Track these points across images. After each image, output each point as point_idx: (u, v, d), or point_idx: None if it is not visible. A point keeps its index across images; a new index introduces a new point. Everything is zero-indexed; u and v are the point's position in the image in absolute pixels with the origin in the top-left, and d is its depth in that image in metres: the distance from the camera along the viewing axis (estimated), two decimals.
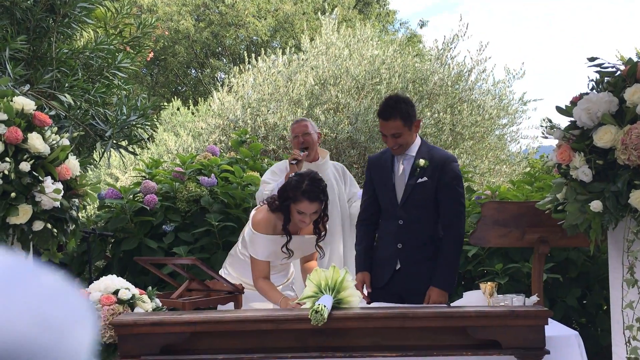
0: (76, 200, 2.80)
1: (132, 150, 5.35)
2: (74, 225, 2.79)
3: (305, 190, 2.98)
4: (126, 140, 5.26)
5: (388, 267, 3.21)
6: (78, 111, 5.03)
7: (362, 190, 3.87)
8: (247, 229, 3.26)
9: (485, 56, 10.37)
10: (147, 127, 5.42)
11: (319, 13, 12.66)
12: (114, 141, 5.09)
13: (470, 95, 10.08)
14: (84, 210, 2.84)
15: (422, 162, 3.23)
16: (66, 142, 2.80)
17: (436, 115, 9.49)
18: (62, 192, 2.65)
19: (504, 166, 10.17)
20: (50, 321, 0.42)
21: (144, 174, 5.58)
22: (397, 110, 3.15)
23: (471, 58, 10.30)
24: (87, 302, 0.47)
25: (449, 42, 10.20)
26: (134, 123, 5.20)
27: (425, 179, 3.22)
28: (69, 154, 2.79)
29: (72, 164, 2.77)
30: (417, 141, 3.31)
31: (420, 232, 3.22)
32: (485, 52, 10.33)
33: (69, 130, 4.76)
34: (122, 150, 5.27)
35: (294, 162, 3.94)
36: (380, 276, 3.22)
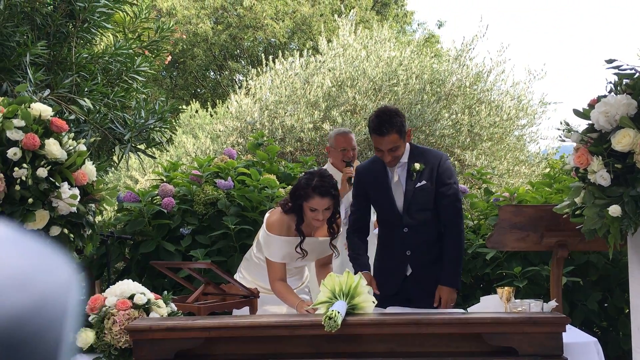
0: (93, 205, 2.83)
1: (151, 154, 5.40)
2: (90, 230, 2.82)
3: (316, 186, 3.03)
4: (144, 144, 5.32)
5: (398, 274, 3.18)
6: (97, 115, 5.08)
7: None
8: (262, 231, 3.27)
9: (505, 57, 10.28)
10: (165, 130, 5.47)
11: (336, 15, 12.66)
12: (133, 145, 5.14)
13: (488, 96, 9.99)
14: (100, 214, 2.86)
15: (417, 166, 3.20)
16: (83, 147, 2.83)
17: (454, 116, 9.43)
18: (79, 197, 2.67)
19: (523, 167, 10.06)
20: (30, 285, 0.40)
21: (162, 177, 5.62)
22: (393, 125, 3.09)
23: (491, 59, 10.22)
24: (70, 268, 0.45)
25: (468, 42, 10.13)
26: (152, 127, 5.25)
27: (424, 182, 3.21)
28: (86, 160, 2.82)
29: (89, 170, 2.79)
30: (407, 146, 3.27)
31: (427, 235, 3.21)
32: (505, 53, 10.25)
33: (88, 134, 4.82)
34: (140, 154, 5.32)
35: (349, 181, 3.82)
36: (392, 283, 3.19)
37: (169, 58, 7.20)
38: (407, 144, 3.28)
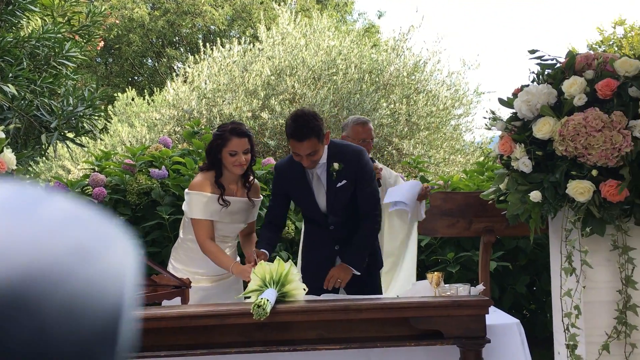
0: None
1: (80, 142, 5.22)
2: None
3: (232, 128, 3.16)
4: (73, 132, 5.13)
5: (328, 266, 3.18)
6: (22, 102, 4.87)
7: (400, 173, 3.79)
8: (184, 206, 3.29)
9: (440, 47, 10.48)
10: (95, 118, 5.29)
11: (276, 3, 12.56)
12: (61, 133, 4.95)
13: (425, 86, 10.17)
14: None
15: (336, 166, 3.19)
16: (1, 134, 2.70)
17: (392, 105, 9.55)
18: None
19: (459, 156, 10.32)
20: (71, 245, 0.38)
21: (93, 167, 5.45)
22: (311, 129, 3.02)
23: (427, 49, 10.39)
24: (116, 230, 0.43)
25: (405, 33, 10.26)
26: (82, 114, 5.07)
27: (344, 182, 3.20)
28: (4, 147, 2.69)
29: (8, 158, 2.67)
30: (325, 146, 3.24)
31: (354, 230, 3.23)
32: (440, 44, 10.43)
33: (10, 122, 4.61)
34: (69, 143, 5.14)
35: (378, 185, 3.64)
36: (322, 276, 3.17)
37: (102, 44, 6.96)
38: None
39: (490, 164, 5.74)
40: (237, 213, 3.28)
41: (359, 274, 3.11)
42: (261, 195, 3.48)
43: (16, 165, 2.78)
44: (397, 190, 3.74)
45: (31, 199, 0.39)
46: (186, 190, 3.31)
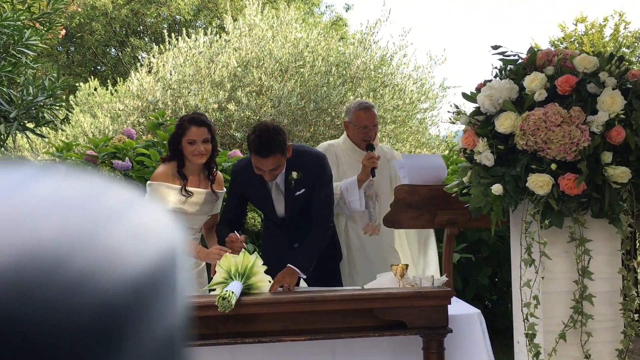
0: None
1: (40, 133, 5.10)
2: None
3: (191, 118, 3.22)
4: (33, 122, 5.01)
5: (284, 264, 3.16)
6: None
7: (401, 159, 3.71)
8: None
9: (407, 41, 10.56)
10: (56, 108, 5.18)
11: None
12: (20, 123, 4.83)
13: (392, 79, 10.24)
14: None
15: (294, 174, 3.17)
16: None
17: (359, 98, 9.59)
18: None
19: (424, 149, 10.44)
20: (87, 216, 0.36)
21: (54, 158, 5.34)
22: (275, 146, 2.97)
23: (394, 43, 10.46)
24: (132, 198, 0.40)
25: (372, 26, 10.30)
26: (42, 104, 4.96)
27: (303, 190, 3.19)
28: None
29: None
30: None
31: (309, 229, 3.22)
32: (407, 38, 10.51)
33: None
34: (28, 133, 5.02)
35: (372, 172, 3.58)
36: (280, 269, 3.16)
37: (63, 32, 6.81)
38: None
39: (455, 158, 5.83)
40: (200, 204, 3.27)
41: (305, 277, 3.08)
42: (224, 188, 3.47)
43: None
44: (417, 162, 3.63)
45: (36, 173, 0.38)
46: (148, 181, 3.30)
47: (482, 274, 5.55)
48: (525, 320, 2.55)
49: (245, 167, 3.22)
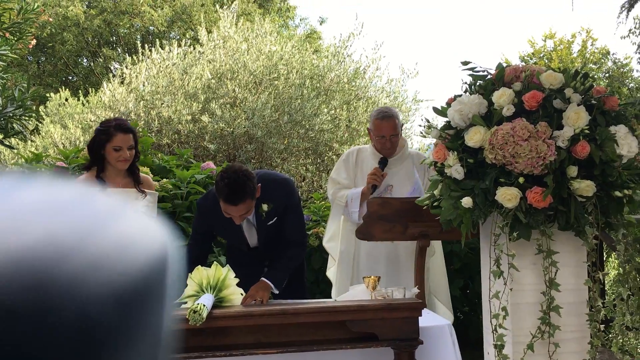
0: None
1: (9, 144, 5.02)
2: None
3: (117, 125, 3.26)
4: (2, 134, 4.93)
5: (255, 280, 3.15)
6: None
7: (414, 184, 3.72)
8: None
9: (380, 55, 10.68)
10: (26, 119, 5.10)
11: (218, 5, 12.46)
12: None
13: (365, 92, 10.33)
14: None
15: (265, 207, 3.16)
16: None
17: (333, 111, 9.65)
18: None
19: None
20: (69, 223, 0.35)
21: (23, 170, 5.25)
22: (247, 193, 2.94)
23: (367, 56, 10.56)
24: (118, 206, 0.40)
25: (345, 40, 10.40)
26: (11, 114, 4.88)
27: (275, 219, 3.19)
28: None
29: None
30: None
31: (282, 249, 3.25)
32: (380, 51, 10.63)
33: None
34: None
35: (372, 189, 3.62)
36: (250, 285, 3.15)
37: (34, 42, 6.73)
38: None
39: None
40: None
41: (277, 292, 3.08)
42: (156, 191, 3.55)
43: None
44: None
45: (23, 182, 0.38)
46: None
47: (453, 285, 5.60)
48: (495, 332, 2.58)
49: (212, 206, 3.12)
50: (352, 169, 3.91)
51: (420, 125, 2.91)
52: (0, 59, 5.24)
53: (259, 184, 3.08)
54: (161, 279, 0.39)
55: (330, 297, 3.88)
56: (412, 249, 3.98)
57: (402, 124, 3.91)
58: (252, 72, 9.40)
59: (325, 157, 9.58)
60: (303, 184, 9.34)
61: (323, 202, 5.88)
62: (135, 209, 0.41)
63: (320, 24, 21.78)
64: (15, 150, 5.53)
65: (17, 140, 10.11)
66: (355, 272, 3.92)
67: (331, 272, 4.07)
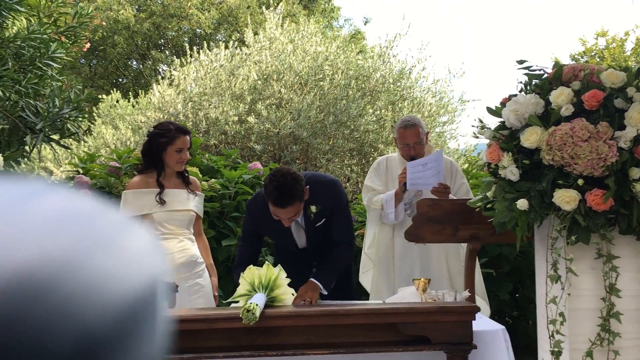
0: None
1: (65, 144, 5.17)
2: None
3: (178, 127, 3.33)
4: (58, 134, 5.08)
5: (303, 280, 3.11)
6: (7, 103, 4.81)
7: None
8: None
9: (426, 55, 10.58)
10: (81, 120, 5.25)
11: (264, 7, 12.57)
12: (45, 134, 4.90)
13: (411, 93, 10.24)
14: None
15: (313, 208, 3.17)
16: None
17: (378, 112, 9.60)
18: None
19: None
20: (59, 246, 0.36)
21: (77, 169, 5.41)
22: (295, 196, 2.93)
23: (412, 56, 10.48)
24: (116, 224, 0.40)
25: (391, 40, 10.33)
26: (67, 116, 5.03)
27: (323, 220, 3.20)
28: None
29: None
30: None
31: (330, 250, 3.26)
32: (426, 51, 10.51)
33: None
34: (54, 144, 5.09)
35: (404, 187, 3.70)
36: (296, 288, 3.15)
37: (88, 45, 6.93)
38: None
39: (475, 172, 5.80)
40: (175, 202, 3.37)
41: (326, 293, 3.08)
42: (202, 192, 3.62)
43: (2, 167, 2.76)
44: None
45: (33, 193, 0.38)
46: (123, 192, 3.42)
47: (502, 289, 5.49)
48: (551, 338, 2.51)
49: (261, 207, 3.13)
50: (383, 175, 4.01)
51: (472, 126, 2.86)
52: (55, 62, 5.41)
53: (307, 186, 3.08)
54: (153, 299, 0.39)
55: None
56: (443, 251, 3.96)
57: (427, 132, 4.02)
58: (298, 73, 9.44)
59: (370, 158, 9.54)
60: (348, 184, 9.32)
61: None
62: (136, 226, 0.42)
63: (365, 24, 21.74)
64: (70, 151, 5.69)
65: (70, 140, 10.44)
66: (391, 276, 3.96)
67: (366, 278, 4.10)
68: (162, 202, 3.30)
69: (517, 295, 5.75)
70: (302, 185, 3.00)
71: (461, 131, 11.43)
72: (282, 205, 2.94)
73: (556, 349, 2.47)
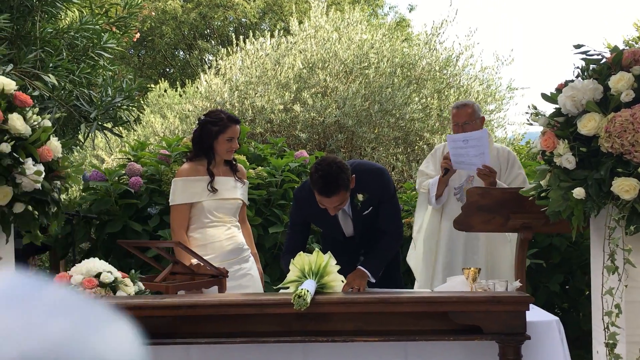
0: (58, 182, 2.77)
1: (118, 133, 5.31)
2: (55, 208, 2.76)
3: (229, 116, 3.33)
4: (111, 122, 5.21)
5: (350, 269, 3.10)
6: (62, 92, 4.96)
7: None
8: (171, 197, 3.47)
9: (473, 42, 10.37)
10: (132, 109, 5.37)
11: None
12: (99, 123, 5.03)
13: (457, 80, 10.07)
14: (66, 193, 2.80)
15: (360, 197, 3.16)
16: (48, 123, 2.77)
17: (424, 100, 9.48)
18: (44, 173, 2.61)
19: None
20: (51, 336, 0.39)
21: (129, 157, 5.54)
22: (340, 184, 2.93)
23: (459, 44, 10.28)
24: (104, 313, 0.45)
25: (438, 27, 10.17)
26: (119, 105, 5.15)
27: (370, 209, 3.19)
28: (51, 136, 2.75)
29: (54, 146, 2.73)
30: None
31: (377, 238, 3.26)
32: (473, 38, 10.31)
33: (52, 111, 4.70)
34: (107, 132, 5.22)
35: (444, 172, 3.72)
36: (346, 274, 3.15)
37: (137, 35, 7.06)
38: None
39: (523, 161, 5.67)
40: (224, 191, 3.39)
41: (374, 281, 3.11)
42: (247, 180, 3.63)
43: (61, 154, 2.85)
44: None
45: (26, 288, 0.41)
46: (173, 179, 3.43)
47: (552, 280, 5.38)
48: (606, 330, 2.45)
49: (308, 195, 3.15)
50: (438, 161, 3.99)
51: (526, 112, 2.79)
52: (107, 52, 5.54)
53: (353, 175, 3.08)
54: None
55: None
56: (491, 239, 3.90)
57: (482, 117, 3.93)
58: (343, 61, 9.40)
59: (416, 147, 9.45)
60: (393, 173, 9.26)
61: (414, 192, 5.80)
62: (109, 316, 0.45)
63: (410, 11, 21.46)
64: (123, 139, 5.83)
65: (120, 129, 10.69)
66: (431, 261, 3.98)
67: (411, 258, 4.12)
68: (214, 190, 3.33)
69: (567, 287, 5.61)
70: (348, 174, 3.00)
71: (509, 120, 11.21)
72: (328, 194, 2.96)
73: (611, 341, 2.41)
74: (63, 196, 3.84)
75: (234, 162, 3.51)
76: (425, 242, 4.02)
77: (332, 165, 2.96)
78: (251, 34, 10.58)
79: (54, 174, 2.74)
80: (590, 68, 2.59)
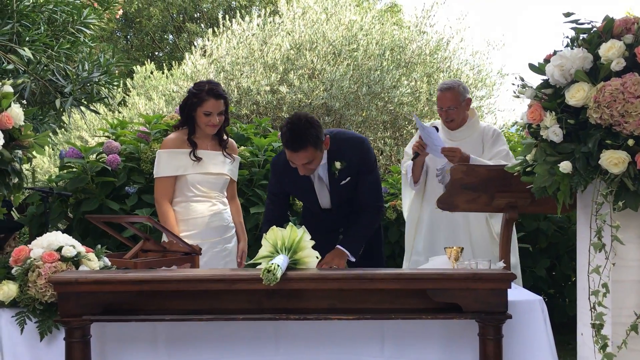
0: (19, 151, 2.62)
1: (94, 109, 5.14)
2: (17, 179, 2.62)
3: (210, 89, 3.18)
4: (87, 98, 5.05)
5: (329, 247, 3.08)
6: (38, 66, 4.79)
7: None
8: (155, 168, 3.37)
9: (464, 25, 10.24)
10: (113, 87, 5.20)
11: None
12: (74, 98, 4.87)
13: (448, 65, 9.95)
14: (29, 162, 2.68)
15: (337, 165, 3.08)
16: (9, 89, 2.62)
17: (413, 84, 9.36)
18: (2, 141, 2.47)
19: None
20: None
21: (108, 134, 5.39)
22: (307, 139, 2.87)
23: (450, 27, 10.16)
24: None
25: (428, 10, 10.03)
26: (97, 80, 4.98)
27: (348, 179, 3.10)
28: (12, 102, 2.60)
29: (15, 113, 2.58)
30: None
31: (357, 214, 3.17)
32: (464, 21, 10.18)
33: (27, 86, 4.53)
34: (83, 109, 5.06)
35: (414, 155, 3.66)
36: (326, 252, 3.06)
37: (120, 11, 6.87)
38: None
39: (513, 145, 5.58)
40: (210, 165, 3.29)
41: (354, 260, 3.04)
42: (238, 156, 3.51)
43: (24, 122, 2.70)
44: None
45: None
46: (158, 150, 3.33)
47: (539, 265, 5.30)
48: (592, 310, 2.35)
49: (284, 162, 3.11)
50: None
51: (513, 84, 2.67)
52: (87, 28, 5.36)
53: (327, 136, 3.02)
54: None
55: None
56: (471, 218, 3.84)
57: (468, 98, 3.85)
58: (331, 43, 9.25)
59: (404, 131, 9.34)
60: (381, 157, 9.15)
61: (400, 176, 5.71)
62: None
63: None
64: (101, 116, 5.67)
65: (105, 110, 10.49)
66: (416, 240, 3.93)
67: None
68: (197, 159, 3.23)
69: (553, 272, 5.54)
70: (318, 131, 2.92)
71: (499, 106, 11.10)
72: (295, 148, 2.88)
73: (597, 322, 2.31)
74: (40, 175, 3.70)
75: (226, 137, 3.39)
76: (407, 223, 3.97)
77: (302, 119, 2.92)
78: (239, 15, 10.38)
79: (15, 143, 2.60)
80: (580, 38, 2.47)
